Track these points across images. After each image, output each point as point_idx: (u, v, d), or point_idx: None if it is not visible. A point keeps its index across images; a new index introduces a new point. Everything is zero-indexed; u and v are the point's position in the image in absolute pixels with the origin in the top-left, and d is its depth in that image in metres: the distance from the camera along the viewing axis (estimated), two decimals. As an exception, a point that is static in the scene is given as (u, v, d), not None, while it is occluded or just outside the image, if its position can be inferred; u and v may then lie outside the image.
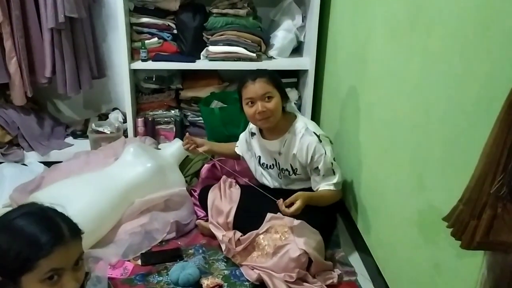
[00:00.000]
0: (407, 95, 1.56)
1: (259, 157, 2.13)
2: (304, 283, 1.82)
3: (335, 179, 1.97)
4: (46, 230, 1.03)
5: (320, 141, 1.95)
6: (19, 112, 2.73)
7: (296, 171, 2.02)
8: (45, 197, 1.84)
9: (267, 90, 1.91)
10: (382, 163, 1.80)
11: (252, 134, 2.16)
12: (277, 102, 1.94)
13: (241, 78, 1.99)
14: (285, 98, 1.99)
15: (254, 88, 1.92)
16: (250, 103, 1.94)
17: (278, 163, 2.06)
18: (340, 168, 2.00)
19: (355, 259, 2.03)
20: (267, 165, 2.11)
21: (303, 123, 2.01)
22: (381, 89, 1.82)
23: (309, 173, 2.01)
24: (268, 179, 2.15)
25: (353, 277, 1.91)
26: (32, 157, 2.70)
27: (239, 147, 2.28)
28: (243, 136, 2.26)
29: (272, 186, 2.14)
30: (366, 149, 2.00)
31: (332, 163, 1.96)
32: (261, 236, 1.93)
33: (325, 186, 1.97)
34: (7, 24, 2.45)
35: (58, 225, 1.05)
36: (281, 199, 1.80)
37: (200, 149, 2.14)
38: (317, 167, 1.96)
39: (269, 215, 1.95)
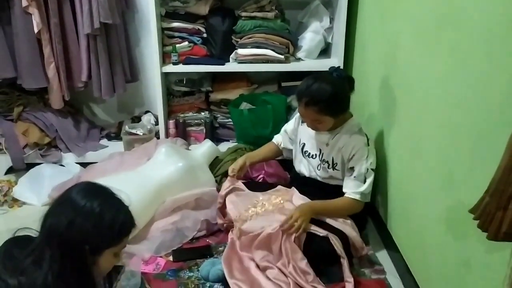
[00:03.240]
0: (436, 93, 1.56)
1: (304, 144, 2.15)
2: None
3: (362, 188, 1.96)
4: (129, 212, 1.18)
5: (368, 144, 1.98)
6: (57, 115, 2.85)
7: (336, 166, 2.04)
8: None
9: (316, 118, 1.95)
10: (410, 161, 1.80)
11: (303, 121, 2.18)
12: (327, 124, 1.97)
13: (298, 89, 1.97)
14: (339, 114, 1.98)
15: (304, 112, 1.96)
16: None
17: (322, 153, 2.08)
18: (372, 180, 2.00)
19: (384, 258, 2.03)
20: (309, 153, 2.13)
21: (358, 123, 2.05)
22: (409, 88, 1.82)
23: (345, 172, 2.02)
24: (306, 167, 2.18)
25: (382, 275, 1.91)
26: (69, 158, 2.81)
27: (282, 138, 2.31)
28: (290, 124, 2.28)
29: (308, 175, 2.17)
30: (394, 148, 1.99)
31: (367, 170, 1.97)
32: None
33: (350, 193, 1.98)
34: (46, 31, 2.57)
35: (129, 210, 1.19)
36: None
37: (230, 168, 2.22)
38: (353, 167, 1.97)
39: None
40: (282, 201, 2.06)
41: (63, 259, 1.06)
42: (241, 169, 2.21)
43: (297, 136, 2.21)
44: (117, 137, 2.98)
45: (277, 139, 2.35)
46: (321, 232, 1.88)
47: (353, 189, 1.97)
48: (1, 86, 2.80)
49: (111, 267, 1.21)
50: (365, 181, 1.97)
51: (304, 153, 2.17)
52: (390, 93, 2.03)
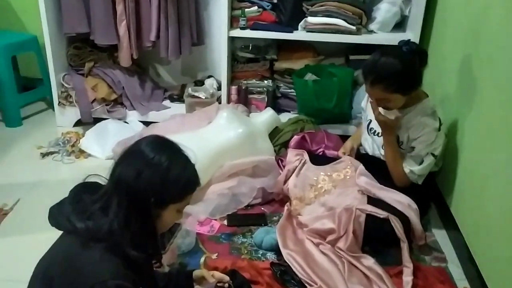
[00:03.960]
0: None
1: (370, 121, 2.07)
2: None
3: (415, 167, 1.88)
4: (195, 170, 1.17)
5: (439, 130, 1.87)
6: (124, 73, 2.91)
7: (401, 144, 1.95)
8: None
9: (383, 97, 1.84)
10: (488, 146, 1.67)
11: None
12: (397, 102, 1.85)
13: (364, 66, 1.89)
14: (410, 91, 1.85)
15: (370, 91, 1.86)
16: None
17: None
18: (430, 167, 1.91)
19: (446, 245, 1.92)
20: (375, 131, 2.05)
21: (433, 105, 1.93)
22: (494, 68, 1.67)
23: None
24: (369, 145, 2.11)
25: (443, 264, 1.82)
26: (133, 116, 2.88)
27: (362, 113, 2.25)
28: (364, 99, 2.19)
29: (370, 153, 2.09)
30: (469, 131, 1.86)
31: (427, 153, 1.87)
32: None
33: (404, 165, 1.91)
34: (120, -11, 2.60)
35: (195, 167, 1.18)
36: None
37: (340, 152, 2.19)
38: (414, 147, 1.89)
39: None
40: (343, 177, 2.00)
41: (129, 208, 1.08)
42: (351, 151, 2.18)
43: (366, 112, 2.13)
44: (179, 99, 3.01)
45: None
46: (381, 213, 1.81)
47: (408, 163, 1.90)
48: (75, 40, 2.89)
49: (173, 222, 1.22)
50: (420, 162, 1.88)
51: (369, 130, 2.09)
52: (470, 73, 1.88)
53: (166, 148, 1.15)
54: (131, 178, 1.08)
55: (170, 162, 1.11)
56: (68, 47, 2.91)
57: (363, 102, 2.18)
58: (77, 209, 1.10)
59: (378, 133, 2.03)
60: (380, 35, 2.63)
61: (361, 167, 2.01)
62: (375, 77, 1.81)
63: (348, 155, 2.15)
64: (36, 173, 2.43)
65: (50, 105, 3.04)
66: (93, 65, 2.88)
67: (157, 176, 1.09)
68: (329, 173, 2.05)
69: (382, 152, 2.04)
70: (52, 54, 2.76)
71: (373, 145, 2.09)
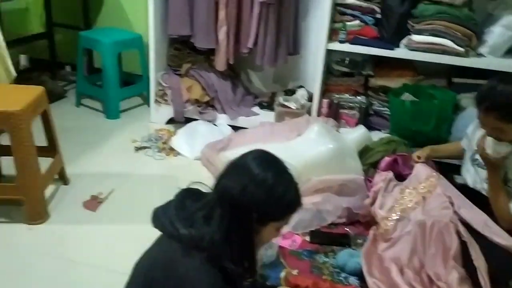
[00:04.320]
0: None
1: (476, 151, 1.94)
2: None
3: None
4: (298, 190, 1.16)
5: None
6: (218, 76, 2.98)
7: (508, 183, 1.79)
8: (233, 157, 2.00)
9: (497, 126, 1.70)
10: None
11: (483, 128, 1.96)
12: (510, 135, 1.70)
13: (479, 91, 1.77)
14: None
15: (484, 118, 1.73)
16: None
17: None
18: None
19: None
20: (480, 163, 1.92)
21: None
22: None
23: None
24: (471, 176, 1.97)
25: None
26: (223, 119, 2.93)
27: (464, 139, 2.12)
28: (471, 126, 2.07)
29: (471, 185, 1.96)
30: None
31: None
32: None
33: (510, 205, 1.75)
34: (224, -5, 2.67)
35: (298, 187, 1.17)
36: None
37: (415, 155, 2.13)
38: None
39: None
40: (429, 187, 1.92)
41: (231, 221, 1.08)
42: (427, 158, 2.12)
43: (471, 140, 1.99)
44: (268, 106, 3.02)
45: (463, 140, 2.15)
46: (465, 237, 1.68)
47: None
48: (175, 42, 3.00)
49: (271, 240, 1.21)
50: None
51: (473, 161, 1.94)
52: None
53: (272, 165, 1.14)
54: (236, 192, 1.09)
55: (275, 180, 1.10)
56: (169, 47, 3.03)
57: (469, 128, 2.04)
58: (181, 215, 1.12)
59: (484, 165, 1.89)
60: (489, 59, 2.46)
61: (443, 180, 1.92)
62: (490, 103, 1.68)
63: (422, 162, 2.07)
64: (129, 166, 2.54)
65: (146, 101, 3.19)
66: (190, 66, 2.98)
67: (261, 193, 1.09)
68: (413, 187, 1.95)
69: (485, 186, 1.89)
70: (154, 53, 2.89)
71: (476, 177, 1.94)
